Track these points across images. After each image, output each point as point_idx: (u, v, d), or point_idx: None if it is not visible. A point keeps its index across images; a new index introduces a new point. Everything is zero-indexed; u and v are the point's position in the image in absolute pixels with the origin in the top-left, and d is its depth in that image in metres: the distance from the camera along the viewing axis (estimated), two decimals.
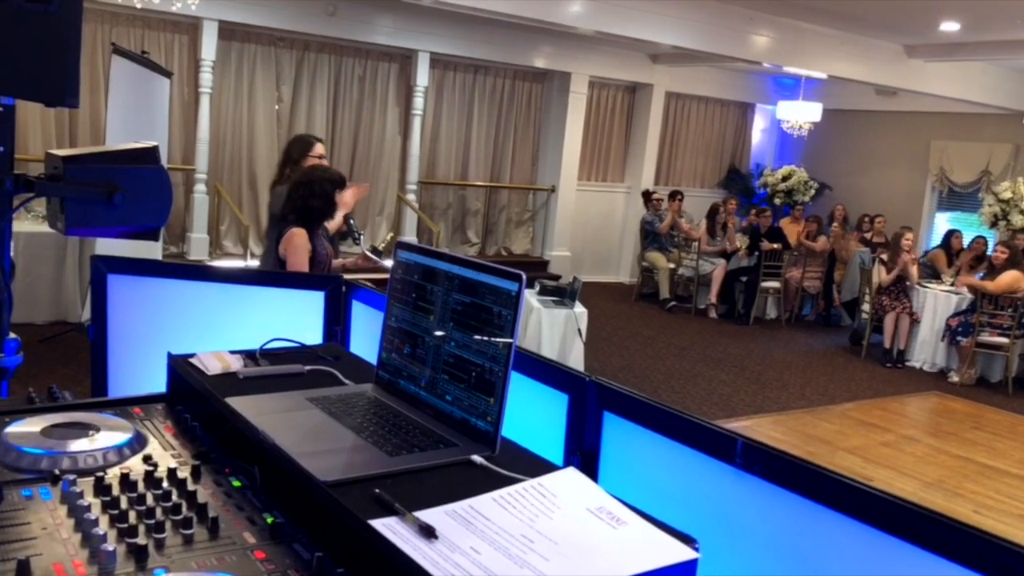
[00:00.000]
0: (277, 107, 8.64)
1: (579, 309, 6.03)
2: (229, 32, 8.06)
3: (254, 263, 7.45)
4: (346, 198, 4.07)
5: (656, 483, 1.31)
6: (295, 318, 2.07)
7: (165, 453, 1.29)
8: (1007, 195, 8.62)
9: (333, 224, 4.04)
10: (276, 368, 1.57)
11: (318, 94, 8.81)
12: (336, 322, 2.11)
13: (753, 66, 9.45)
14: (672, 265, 9.67)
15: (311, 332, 2.06)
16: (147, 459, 1.24)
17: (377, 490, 1.04)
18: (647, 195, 10.30)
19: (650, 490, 1.29)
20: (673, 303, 9.52)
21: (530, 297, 6.09)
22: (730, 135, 12.12)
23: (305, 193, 3.56)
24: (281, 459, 1.14)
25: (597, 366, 6.55)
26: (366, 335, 1.99)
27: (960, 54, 8.28)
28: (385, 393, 1.43)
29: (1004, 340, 7.26)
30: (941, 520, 0.95)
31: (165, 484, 1.16)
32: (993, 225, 8.81)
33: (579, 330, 5.94)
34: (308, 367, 1.58)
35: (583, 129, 10.26)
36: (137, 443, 1.30)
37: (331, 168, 3.93)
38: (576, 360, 5.84)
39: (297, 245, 3.51)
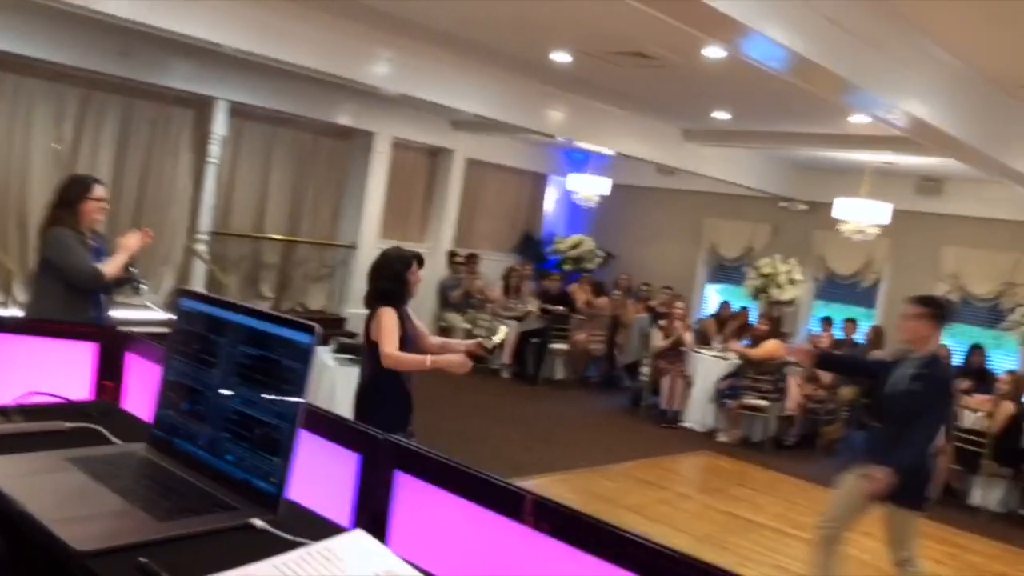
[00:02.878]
0: (57, 146, 7.97)
1: None
2: (6, 63, 7.38)
3: (17, 311, 6.73)
4: (124, 241, 3.83)
5: (447, 543, 1.29)
6: (62, 372, 1.88)
7: None
8: (767, 270, 9.53)
9: (113, 267, 3.77)
10: (32, 425, 1.41)
11: (104, 135, 8.22)
12: (109, 377, 1.94)
13: (548, 139, 9.93)
14: (468, 325, 9.82)
15: (81, 387, 1.88)
16: None
17: (143, 559, 0.95)
18: (451, 256, 10.49)
19: (441, 550, 1.27)
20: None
21: (325, 355, 5.93)
22: (525, 203, 12.61)
23: (374, 276, 3.67)
24: (32, 527, 1.02)
25: None
26: (143, 392, 1.84)
27: (729, 141, 9.16)
28: (159, 453, 1.33)
29: (764, 403, 7.95)
30: (714, 572, 1.00)
31: None
32: (755, 297, 9.69)
33: None
34: (71, 424, 1.44)
35: (385, 188, 10.28)
36: None
37: (404, 249, 3.83)
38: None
39: (384, 324, 3.50)
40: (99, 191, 3.82)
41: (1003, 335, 8.92)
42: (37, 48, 7.20)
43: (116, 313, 4.27)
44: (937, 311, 3.77)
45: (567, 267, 11.58)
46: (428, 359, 3.56)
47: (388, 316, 3.54)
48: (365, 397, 3.73)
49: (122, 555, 0.97)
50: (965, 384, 7.24)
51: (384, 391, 3.65)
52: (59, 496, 1.13)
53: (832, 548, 4.02)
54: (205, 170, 8.74)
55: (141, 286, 4.01)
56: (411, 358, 3.54)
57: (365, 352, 3.73)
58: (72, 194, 3.77)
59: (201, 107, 8.79)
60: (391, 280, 3.66)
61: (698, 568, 1.01)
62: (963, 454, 6.81)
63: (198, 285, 8.65)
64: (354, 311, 10.10)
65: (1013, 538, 6.19)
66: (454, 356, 3.61)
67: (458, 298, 9.91)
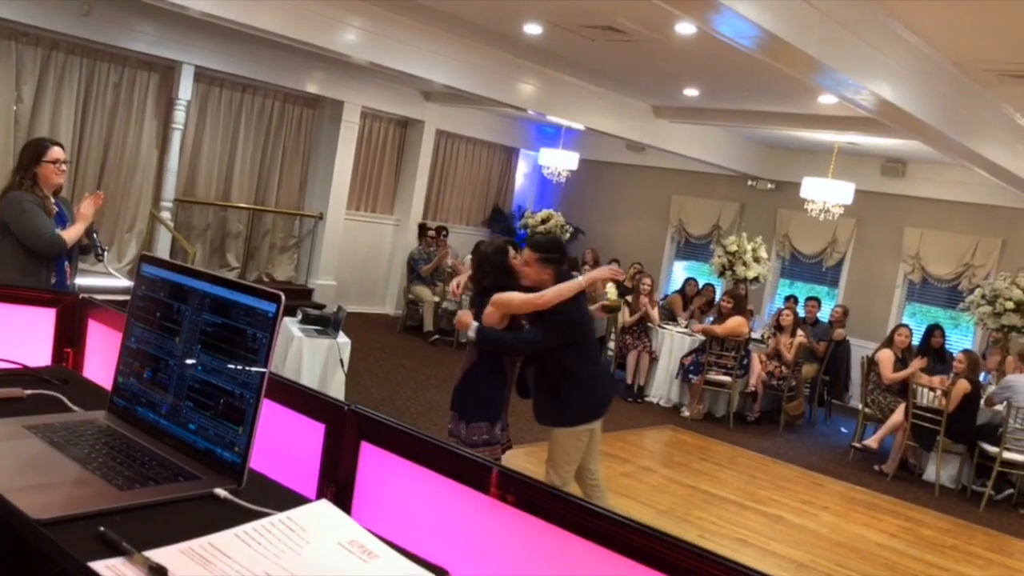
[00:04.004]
0: (16, 108, 7.76)
1: (342, 339, 5.92)
2: None
3: None
4: (83, 209, 3.78)
5: (413, 513, 1.30)
6: (21, 338, 1.84)
7: None
8: (733, 248, 9.61)
9: (72, 234, 3.71)
10: None
11: (65, 97, 8.02)
12: (69, 343, 1.90)
13: (519, 112, 9.89)
14: (437, 299, 9.80)
15: (40, 354, 1.85)
16: None
17: (102, 528, 0.94)
18: (423, 228, 10.43)
19: (407, 520, 1.27)
20: (436, 336, 9.63)
21: (291, 325, 5.89)
22: (495, 176, 12.57)
23: (478, 275, 3.80)
24: None
25: (358, 397, 6.45)
26: (104, 359, 1.82)
27: (699, 118, 9.18)
28: (120, 421, 1.31)
29: (727, 379, 8.05)
30: (677, 544, 1.01)
31: None
32: (721, 274, 9.77)
33: (341, 361, 5.83)
34: (29, 391, 1.41)
35: (354, 159, 10.18)
36: None
37: (493, 239, 4.00)
38: (337, 391, 5.72)
39: (510, 297, 3.65)
40: (56, 152, 3.74)
41: (960, 316, 9.11)
42: None
43: (80, 280, 4.20)
44: (545, 255, 3.76)
45: None
46: (581, 278, 3.78)
47: (505, 294, 3.70)
48: (467, 383, 3.83)
49: (81, 524, 0.96)
50: (921, 363, 7.38)
51: (486, 377, 3.79)
52: (17, 464, 1.11)
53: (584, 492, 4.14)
54: (170, 136, 8.59)
55: (105, 252, 3.96)
56: (567, 284, 3.72)
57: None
58: (27, 157, 3.71)
59: (166, 72, 8.62)
60: (495, 275, 3.77)
61: (658, 539, 1.02)
62: (919, 431, 6.97)
63: (163, 253, 8.53)
64: (321, 282, 10.05)
65: (965, 513, 6.36)
66: (602, 268, 4.00)
67: (428, 272, 9.89)
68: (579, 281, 3.79)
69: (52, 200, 3.76)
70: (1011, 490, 6.75)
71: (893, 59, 5.01)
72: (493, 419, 3.78)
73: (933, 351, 8.02)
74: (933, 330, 8.30)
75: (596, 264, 10.85)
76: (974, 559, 5.43)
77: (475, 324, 3.75)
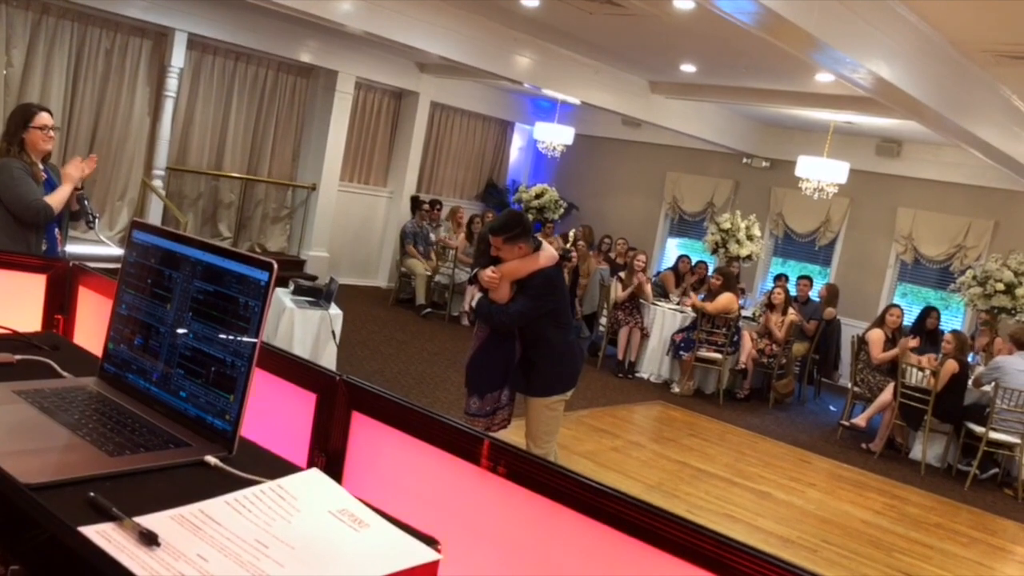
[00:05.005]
0: (5, 72, 7.67)
1: (334, 311, 5.92)
2: None
3: None
4: (68, 170, 3.74)
5: (404, 483, 1.30)
6: (11, 304, 1.83)
7: None
8: (727, 226, 9.61)
9: (58, 197, 3.67)
10: None
11: (56, 63, 7.92)
12: (59, 310, 1.89)
13: (515, 86, 9.81)
14: (429, 272, 9.80)
15: (30, 320, 1.84)
16: None
17: (93, 494, 0.94)
18: (416, 202, 10.37)
19: (397, 491, 1.28)
20: (428, 309, 9.63)
21: (284, 296, 5.88)
22: (490, 150, 12.51)
23: (483, 248, 3.95)
24: None
25: (350, 369, 6.42)
26: (95, 326, 1.81)
27: (695, 94, 9.13)
28: (110, 388, 1.30)
29: (718, 356, 8.08)
30: (666, 517, 1.02)
31: None
32: (714, 252, 9.78)
33: (333, 332, 5.83)
34: (19, 356, 1.41)
35: (348, 130, 10.11)
36: None
37: (504, 216, 4.04)
38: (328, 362, 5.72)
39: (511, 271, 3.77)
40: (43, 118, 3.70)
41: (951, 296, 9.15)
42: None
43: (71, 248, 4.18)
44: (508, 234, 3.76)
45: (530, 216, 11.55)
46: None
47: (508, 264, 3.84)
48: (479, 359, 3.93)
49: (71, 489, 0.96)
50: (912, 342, 7.42)
51: (496, 351, 3.88)
52: (7, 429, 1.10)
53: None
54: (162, 104, 8.51)
55: (96, 219, 3.93)
56: (551, 251, 3.94)
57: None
58: (14, 123, 3.66)
59: (158, 38, 8.52)
60: (487, 254, 3.88)
61: (648, 512, 1.03)
62: (907, 410, 7.02)
63: (155, 222, 8.45)
64: (314, 253, 10.02)
65: (949, 491, 6.43)
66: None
67: (421, 246, 9.87)
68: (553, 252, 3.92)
69: (41, 167, 3.73)
70: (996, 470, 6.82)
71: (891, 38, 4.98)
72: (501, 387, 3.83)
73: (927, 332, 8.06)
74: (929, 312, 8.34)
75: (590, 242, 10.84)
76: (958, 537, 5.50)
77: (478, 296, 3.79)
